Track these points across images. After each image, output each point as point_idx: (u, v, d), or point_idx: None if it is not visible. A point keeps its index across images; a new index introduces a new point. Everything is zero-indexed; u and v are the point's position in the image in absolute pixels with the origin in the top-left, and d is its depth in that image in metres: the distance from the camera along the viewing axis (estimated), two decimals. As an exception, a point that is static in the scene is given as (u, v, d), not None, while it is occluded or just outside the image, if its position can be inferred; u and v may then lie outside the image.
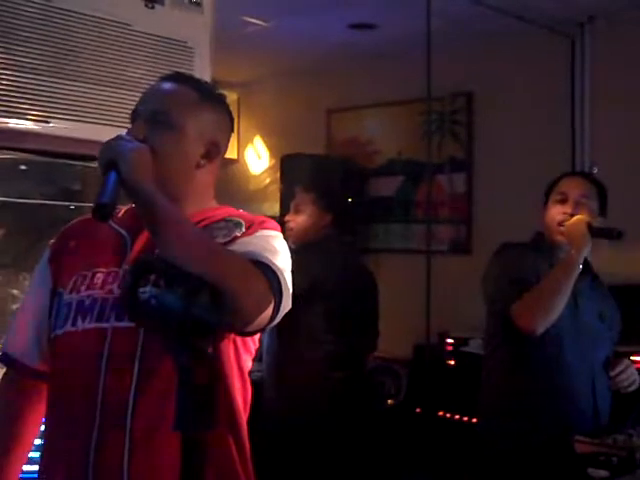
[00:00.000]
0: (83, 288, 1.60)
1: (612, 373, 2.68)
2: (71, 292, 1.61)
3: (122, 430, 1.49)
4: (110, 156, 1.47)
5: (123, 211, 1.72)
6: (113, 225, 1.66)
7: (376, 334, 3.80)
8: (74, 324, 1.58)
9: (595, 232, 2.62)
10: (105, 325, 1.54)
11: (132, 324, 1.45)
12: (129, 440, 1.48)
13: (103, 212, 1.40)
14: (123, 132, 1.60)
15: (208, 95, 1.68)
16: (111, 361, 1.53)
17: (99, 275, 1.60)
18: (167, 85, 1.67)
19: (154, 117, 1.60)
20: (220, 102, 1.71)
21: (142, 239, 1.61)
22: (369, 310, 3.75)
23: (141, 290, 1.02)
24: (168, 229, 1.46)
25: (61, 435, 1.57)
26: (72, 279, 1.63)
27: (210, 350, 0.99)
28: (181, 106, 1.62)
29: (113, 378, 1.52)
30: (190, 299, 1.00)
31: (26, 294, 1.81)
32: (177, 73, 1.75)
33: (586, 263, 2.70)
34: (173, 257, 1.44)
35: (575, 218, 2.64)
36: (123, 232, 1.65)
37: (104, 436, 1.50)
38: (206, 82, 1.76)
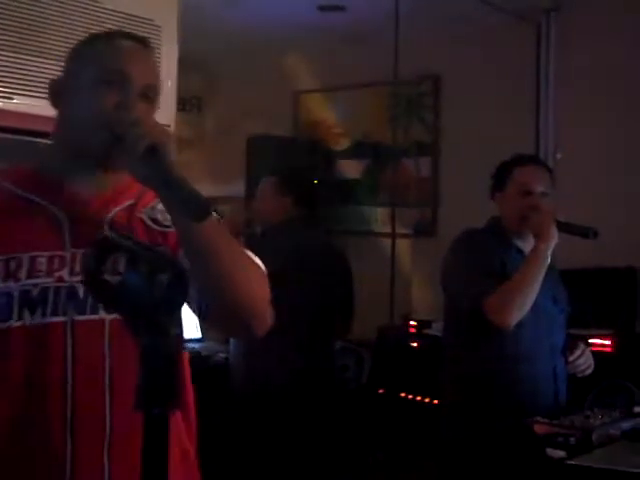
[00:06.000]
0: (23, 275, 1.36)
1: (570, 358, 2.72)
2: (6, 279, 1.36)
3: (102, 433, 1.36)
4: (151, 142, 1.24)
5: (14, 173, 1.48)
6: (30, 196, 1.42)
7: (350, 315, 3.79)
8: (20, 318, 1.35)
9: (563, 227, 2.67)
10: (63, 319, 1.36)
11: (94, 317, 1.35)
12: (108, 442, 1.36)
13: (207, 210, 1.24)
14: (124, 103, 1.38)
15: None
16: (77, 362, 1.35)
17: (40, 260, 1.37)
18: (146, 52, 1.52)
19: (145, 92, 1.43)
20: None
21: (82, 214, 1.41)
22: (342, 292, 3.73)
23: (103, 270, 1.00)
24: (214, 237, 1.30)
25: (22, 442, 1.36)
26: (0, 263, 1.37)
27: (175, 330, 0.98)
28: (159, 79, 1.49)
29: (83, 379, 1.36)
30: (155, 278, 0.97)
31: None
32: (143, 38, 1.56)
33: None
34: (210, 262, 1.31)
35: (544, 212, 2.67)
36: (49, 205, 1.42)
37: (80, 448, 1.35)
38: None
